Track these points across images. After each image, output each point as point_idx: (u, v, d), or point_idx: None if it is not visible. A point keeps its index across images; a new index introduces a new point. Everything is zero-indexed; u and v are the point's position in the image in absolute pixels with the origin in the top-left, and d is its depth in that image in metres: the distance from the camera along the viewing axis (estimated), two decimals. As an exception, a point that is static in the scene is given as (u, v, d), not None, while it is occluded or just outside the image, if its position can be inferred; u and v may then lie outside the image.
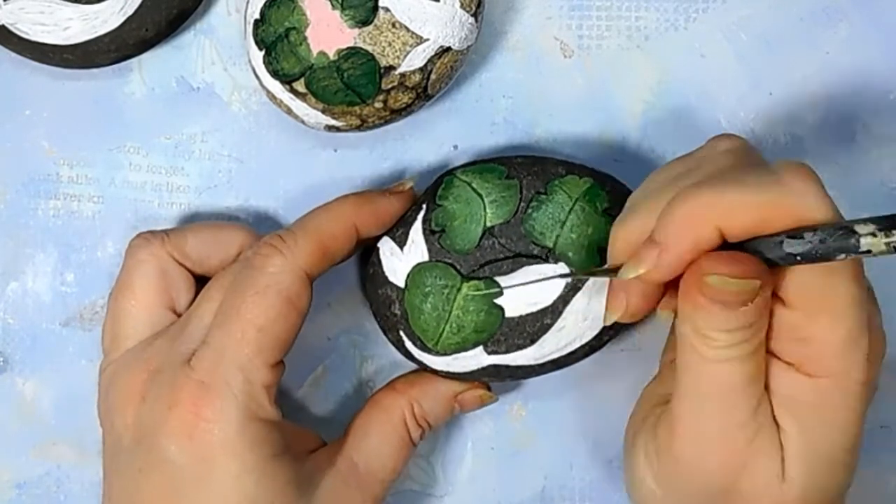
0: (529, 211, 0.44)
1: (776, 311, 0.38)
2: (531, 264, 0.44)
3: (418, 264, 0.45)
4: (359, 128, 0.46)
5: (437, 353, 0.45)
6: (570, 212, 0.44)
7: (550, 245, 0.44)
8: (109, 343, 0.45)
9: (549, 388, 0.48)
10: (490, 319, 0.44)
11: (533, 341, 0.44)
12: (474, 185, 0.45)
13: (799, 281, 0.38)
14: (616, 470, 0.49)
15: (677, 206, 0.38)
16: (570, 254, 0.44)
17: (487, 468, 0.49)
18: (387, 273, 0.45)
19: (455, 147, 0.49)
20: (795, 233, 0.36)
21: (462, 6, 0.45)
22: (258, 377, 0.41)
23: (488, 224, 0.44)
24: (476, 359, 0.45)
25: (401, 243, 0.45)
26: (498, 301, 0.44)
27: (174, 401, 0.41)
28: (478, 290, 0.44)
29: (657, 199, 0.39)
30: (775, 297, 0.38)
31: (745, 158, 0.40)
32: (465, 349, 0.45)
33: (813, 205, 0.37)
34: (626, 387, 0.48)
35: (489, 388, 0.47)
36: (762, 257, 0.37)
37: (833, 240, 0.36)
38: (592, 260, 0.44)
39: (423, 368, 0.46)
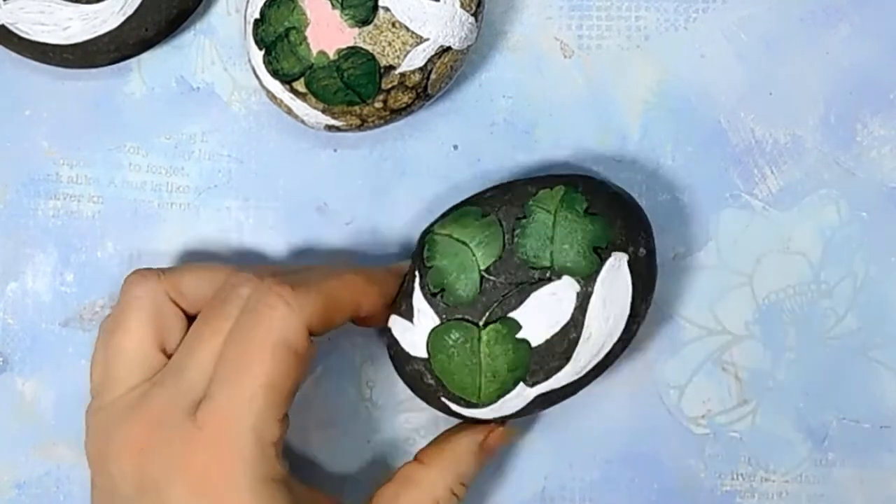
0: (516, 239, 0.44)
1: None
2: (537, 289, 0.44)
3: (432, 330, 0.44)
4: (359, 128, 0.46)
5: (484, 405, 0.45)
6: (554, 225, 0.44)
7: (548, 264, 0.44)
8: (100, 381, 0.44)
9: (549, 388, 0.48)
10: (519, 355, 0.44)
11: (568, 359, 0.44)
12: (455, 236, 0.44)
13: None
14: (616, 470, 0.49)
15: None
16: (569, 264, 0.44)
17: (487, 468, 0.49)
18: (406, 349, 0.45)
19: (455, 147, 0.49)
20: None
21: (462, 6, 0.45)
22: (268, 435, 0.40)
23: (482, 267, 0.44)
24: (521, 396, 0.44)
25: (408, 316, 0.45)
26: (520, 335, 0.44)
27: (184, 461, 0.40)
28: (498, 332, 0.44)
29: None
30: None
31: None
32: (508, 391, 0.44)
33: None
34: (627, 387, 0.49)
35: (504, 424, 0.46)
36: None
37: None
38: (591, 265, 0.44)
39: (476, 422, 0.46)
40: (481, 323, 0.44)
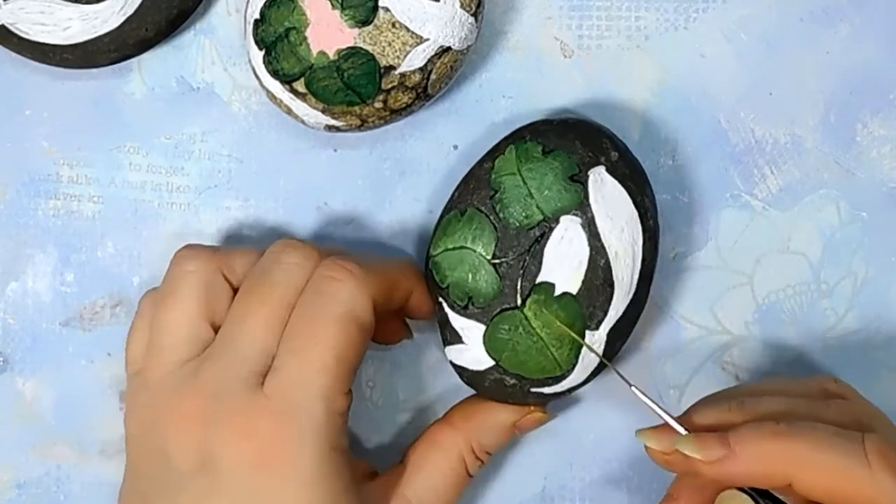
0: (501, 214, 0.44)
1: None
2: (545, 242, 0.44)
3: (484, 336, 0.44)
4: (359, 128, 0.46)
5: (569, 372, 0.45)
6: (524, 182, 0.44)
7: (540, 217, 0.44)
8: (140, 354, 0.44)
9: (549, 388, 0.48)
10: (569, 310, 0.44)
11: (612, 285, 0.44)
12: (450, 246, 0.45)
13: None
14: (616, 470, 0.49)
15: (767, 437, 0.39)
16: (558, 205, 0.44)
17: (487, 468, 0.49)
18: (474, 367, 0.45)
19: (455, 147, 0.49)
20: None
21: (462, 6, 0.45)
22: (338, 406, 0.41)
23: (489, 257, 0.44)
24: (595, 342, 0.44)
25: (457, 340, 0.45)
26: (557, 292, 0.44)
27: (251, 430, 0.40)
28: (538, 302, 0.44)
29: (754, 407, 0.40)
30: None
31: (850, 413, 0.41)
32: (580, 346, 0.44)
33: (891, 495, 0.37)
34: (627, 387, 0.49)
35: (544, 409, 0.46)
36: None
37: None
38: (576, 194, 0.44)
39: (570, 392, 0.46)
40: (519, 303, 0.44)
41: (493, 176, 0.45)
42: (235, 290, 0.44)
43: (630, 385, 0.43)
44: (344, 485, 0.41)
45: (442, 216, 0.46)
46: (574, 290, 0.44)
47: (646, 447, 0.42)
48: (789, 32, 0.49)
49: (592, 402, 0.49)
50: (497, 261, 0.44)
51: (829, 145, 0.49)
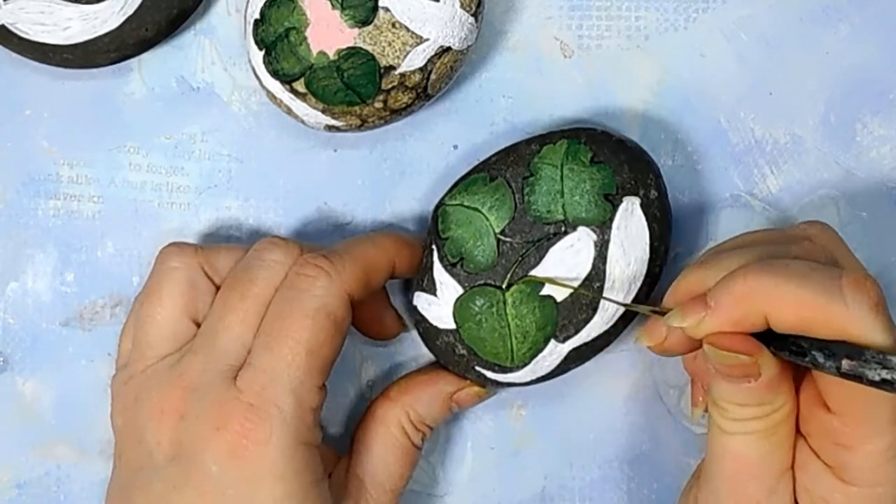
0: (526, 198, 0.44)
1: (820, 414, 0.39)
2: (554, 243, 0.44)
3: (457, 300, 0.45)
4: (359, 128, 0.46)
5: (518, 368, 0.45)
6: (562, 179, 0.44)
7: (561, 217, 0.44)
8: (129, 348, 0.44)
9: (549, 388, 0.48)
10: (546, 312, 0.44)
11: (595, 310, 0.44)
12: (466, 204, 0.45)
13: (843, 390, 0.38)
14: (616, 470, 0.49)
15: (736, 281, 0.39)
16: (582, 214, 0.44)
17: (487, 468, 0.49)
18: (434, 323, 0.45)
19: (455, 147, 0.49)
20: (852, 350, 0.36)
21: (462, 6, 0.45)
22: (308, 400, 0.41)
23: (497, 230, 0.44)
24: (554, 354, 0.45)
25: (432, 290, 0.45)
26: (544, 292, 0.44)
27: (222, 421, 0.41)
28: (522, 292, 0.44)
29: (729, 261, 0.40)
30: (820, 400, 0.39)
31: (824, 253, 0.41)
32: (540, 350, 0.44)
33: (862, 326, 0.37)
34: (627, 387, 0.49)
35: (483, 385, 0.46)
36: (812, 360, 0.37)
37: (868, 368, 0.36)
38: (603, 212, 0.44)
39: (509, 385, 0.46)
40: (504, 285, 0.44)
41: (536, 159, 0.45)
42: (218, 289, 0.44)
43: (609, 300, 0.43)
44: (313, 479, 0.41)
45: (469, 173, 0.46)
46: (560, 297, 0.44)
47: (647, 347, 0.42)
48: (789, 32, 0.49)
49: (593, 403, 0.49)
50: (503, 238, 0.44)
51: (829, 145, 0.49)
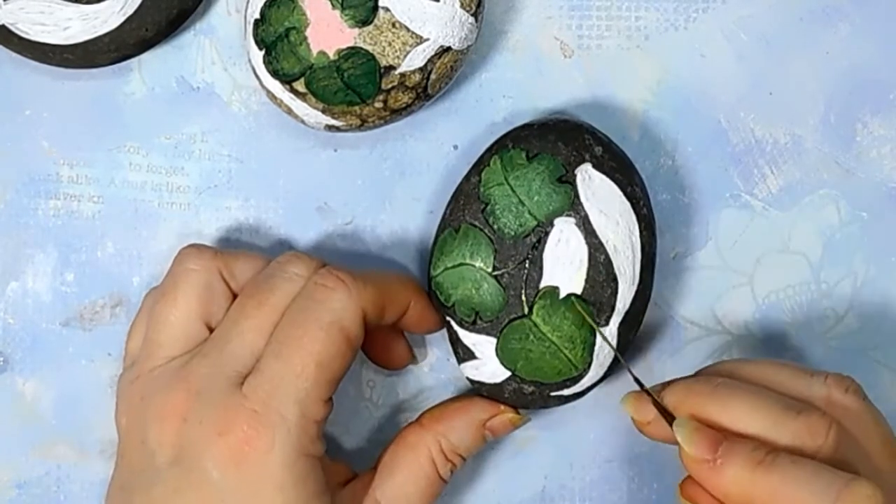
0: (495, 226, 0.44)
1: None
2: (544, 248, 0.44)
3: (496, 349, 0.45)
4: (359, 128, 0.46)
5: (586, 371, 0.45)
6: (513, 190, 0.44)
7: (534, 222, 0.44)
8: (139, 348, 0.44)
9: (549, 388, 0.48)
10: (575, 310, 0.44)
11: (615, 279, 0.44)
12: (449, 265, 0.45)
13: None
14: (616, 470, 0.49)
15: (749, 470, 0.39)
16: (550, 207, 0.44)
17: (487, 468, 0.49)
18: (491, 381, 0.45)
19: (455, 147, 0.49)
20: None
21: (462, 6, 0.45)
22: (313, 412, 0.41)
23: (489, 270, 0.44)
24: (609, 337, 0.44)
25: (471, 356, 0.45)
26: (562, 295, 0.44)
27: (225, 426, 0.40)
28: (544, 307, 0.44)
29: (740, 405, 0.41)
30: None
31: (838, 450, 0.41)
32: (593, 344, 0.44)
33: None
34: (627, 387, 0.48)
35: (517, 411, 0.46)
36: None
37: None
38: (566, 194, 0.44)
39: (586, 392, 0.46)
40: (526, 311, 0.44)
41: (482, 189, 0.45)
42: (234, 295, 0.44)
43: (637, 380, 0.43)
44: (314, 491, 0.41)
45: (437, 235, 0.46)
46: (578, 290, 0.44)
47: (633, 420, 0.43)
48: (789, 32, 0.49)
49: (592, 402, 0.48)
50: (498, 273, 0.44)
51: (829, 145, 0.49)
